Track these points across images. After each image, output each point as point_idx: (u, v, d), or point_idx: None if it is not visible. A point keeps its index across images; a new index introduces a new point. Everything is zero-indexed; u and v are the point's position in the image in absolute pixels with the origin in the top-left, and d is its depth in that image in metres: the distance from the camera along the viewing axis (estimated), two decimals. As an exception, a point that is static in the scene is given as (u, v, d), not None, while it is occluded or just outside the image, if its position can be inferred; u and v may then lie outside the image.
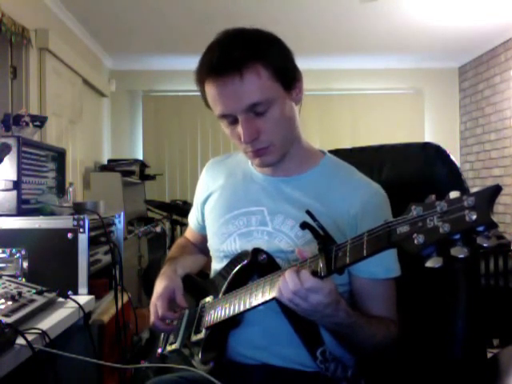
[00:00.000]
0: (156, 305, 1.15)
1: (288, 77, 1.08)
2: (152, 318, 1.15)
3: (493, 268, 3.25)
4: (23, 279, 1.60)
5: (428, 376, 1.23)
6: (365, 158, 1.39)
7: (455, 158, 1.27)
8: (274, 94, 1.05)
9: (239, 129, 1.06)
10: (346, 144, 1.57)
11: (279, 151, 1.10)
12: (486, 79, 4.90)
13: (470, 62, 5.22)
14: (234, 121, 1.07)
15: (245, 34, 1.07)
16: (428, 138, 5.35)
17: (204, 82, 1.07)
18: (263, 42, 1.06)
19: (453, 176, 1.26)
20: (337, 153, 1.27)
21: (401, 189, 1.22)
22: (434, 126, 5.47)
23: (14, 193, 1.71)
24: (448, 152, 1.29)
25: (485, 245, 0.68)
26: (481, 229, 0.67)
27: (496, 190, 0.67)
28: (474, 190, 0.68)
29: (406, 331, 1.13)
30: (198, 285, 1.24)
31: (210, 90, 1.06)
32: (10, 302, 1.27)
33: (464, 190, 1.22)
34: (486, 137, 4.91)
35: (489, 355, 1.24)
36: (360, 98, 5.38)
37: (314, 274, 0.88)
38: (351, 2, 3.69)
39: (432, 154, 1.30)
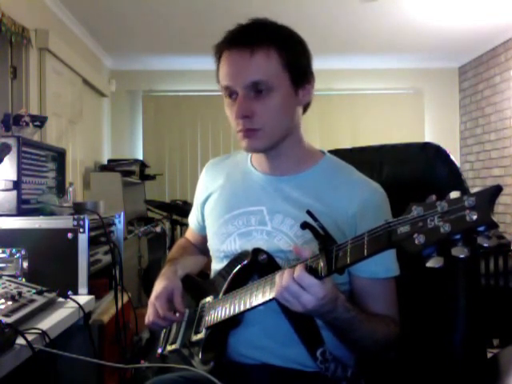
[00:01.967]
0: (155, 304, 1.15)
1: (299, 73, 1.10)
2: (151, 317, 1.15)
3: (493, 268, 3.25)
4: (23, 279, 1.60)
5: (428, 376, 1.23)
6: (365, 158, 1.39)
7: (455, 158, 1.27)
8: (278, 82, 1.07)
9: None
10: (346, 144, 1.57)
11: (268, 138, 1.10)
12: (486, 79, 4.90)
13: (470, 62, 5.22)
14: (235, 97, 1.08)
15: (271, 22, 1.12)
16: (428, 138, 5.35)
17: (221, 55, 1.11)
18: (285, 32, 1.11)
19: (453, 176, 1.26)
20: (337, 153, 1.27)
21: (401, 189, 1.22)
22: (434, 125, 5.47)
23: (14, 193, 1.71)
24: (448, 152, 1.29)
25: (485, 245, 0.68)
26: (481, 229, 0.67)
27: (496, 190, 0.67)
28: (474, 190, 0.68)
29: (406, 331, 1.13)
30: (198, 285, 1.24)
31: (223, 61, 1.09)
32: (10, 302, 1.27)
33: (464, 189, 1.22)
34: (486, 137, 4.91)
35: (489, 355, 1.24)
36: (360, 97, 5.38)
37: (315, 273, 0.88)
38: (351, 1, 3.69)
39: (432, 154, 1.30)
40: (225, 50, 1.09)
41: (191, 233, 1.43)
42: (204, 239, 1.31)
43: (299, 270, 0.89)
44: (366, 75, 5.35)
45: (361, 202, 1.10)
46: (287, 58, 1.07)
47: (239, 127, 1.10)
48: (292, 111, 1.12)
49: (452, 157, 1.29)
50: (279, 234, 1.12)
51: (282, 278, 0.91)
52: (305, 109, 1.19)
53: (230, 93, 1.09)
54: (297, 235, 1.09)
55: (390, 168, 1.35)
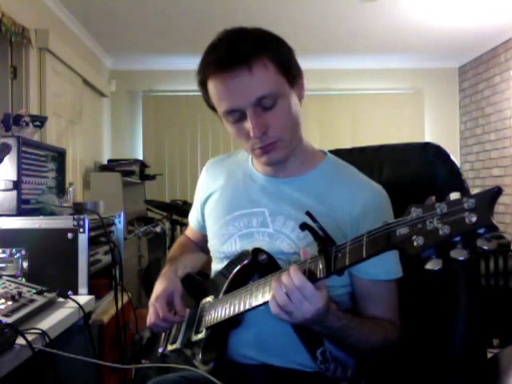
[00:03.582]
0: (155, 306, 1.15)
1: (291, 72, 1.08)
2: (152, 319, 1.15)
3: (493, 268, 3.24)
4: (23, 279, 1.60)
5: (428, 376, 1.23)
6: (365, 158, 1.39)
7: (455, 158, 1.27)
8: (280, 88, 1.05)
9: (247, 125, 1.04)
10: (346, 144, 1.57)
11: (287, 147, 1.09)
12: (486, 79, 4.90)
13: (469, 61, 5.22)
14: (240, 117, 1.05)
15: (248, 31, 1.07)
16: (428, 138, 5.35)
17: (208, 80, 1.06)
18: (267, 37, 1.07)
19: (453, 176, 1.26)
20: (337, 153, 1.27)
21: (401, 189, 1.22)
22: (434, 125, 5.47)
23: (14, 193, 1.71)
24: (448, 152, 1.29)
25: (485, 247, 0.67)
26: (481, 231, 0.67)
27: (496, 193, 0.66)
28: (474, 191, 0.68)
29: (406, 331, 1.13)
30: (199, 285, 1.24)
31: (217, 85, 1.04)
32: (10, 302, 1.27)
33: (464, 190, 1.22)
34: (486, 137, 4.91)
35: (489, 355, 1.24)
36: (360, 98, 5.37)
37: (313, 275, 0.88)
38: (351, 2, 3.69)
39: (432, 154, 1.29)
40: (216, 74, 1.03)
41: (191, 231, 1.43)
42: (204, 237, 1.31)
43: (300, 276, 0.87)
44: (366, 75, 5.34)
45: (363, 204, 1.09)
46: (279, 63, 1.04)
47: (257, 145, 1.07)
48: (298, 111, 1.10)
49: (452, 157, 1.29)
50: (281, 236, 1.11)
51: (280, 284, 0.89)
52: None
53: (235, 115, 1.05)
54: (299, 237, 1.09)
55: (390, 168, 1.35)
